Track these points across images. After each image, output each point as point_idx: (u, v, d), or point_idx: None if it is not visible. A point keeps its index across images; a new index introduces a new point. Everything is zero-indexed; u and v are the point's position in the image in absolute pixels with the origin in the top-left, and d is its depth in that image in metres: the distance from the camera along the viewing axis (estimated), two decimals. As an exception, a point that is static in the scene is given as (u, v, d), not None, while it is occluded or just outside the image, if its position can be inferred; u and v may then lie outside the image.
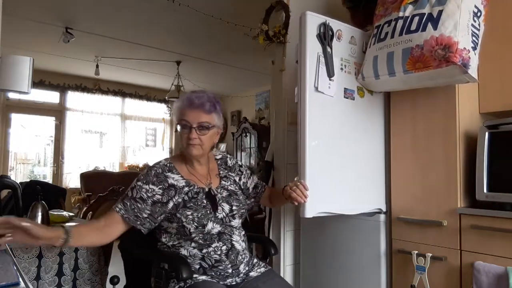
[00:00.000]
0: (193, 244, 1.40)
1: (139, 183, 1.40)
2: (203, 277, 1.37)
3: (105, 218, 1.37)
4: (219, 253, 1.41)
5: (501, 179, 1.51)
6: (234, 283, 1.42)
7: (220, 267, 1.40)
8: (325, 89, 1.61)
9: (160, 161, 1.50)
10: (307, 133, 1.58)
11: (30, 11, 3.92)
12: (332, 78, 1.63)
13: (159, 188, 1.40)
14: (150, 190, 1.39)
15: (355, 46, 1.74)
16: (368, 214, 1.82)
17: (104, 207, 2.51)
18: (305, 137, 1.58)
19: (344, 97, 1.69)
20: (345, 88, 1.69)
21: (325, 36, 1.61)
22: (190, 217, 1.38)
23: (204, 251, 1.40)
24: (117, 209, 1.36)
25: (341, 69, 1.68)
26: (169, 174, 1.45)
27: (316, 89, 1.59)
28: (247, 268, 1.47)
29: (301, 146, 1.59)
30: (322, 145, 1.62)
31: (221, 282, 1.39)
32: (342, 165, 1.69)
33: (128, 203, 1.37)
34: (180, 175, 1.47)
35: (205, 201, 1.44)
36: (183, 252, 1.40)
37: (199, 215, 1.39)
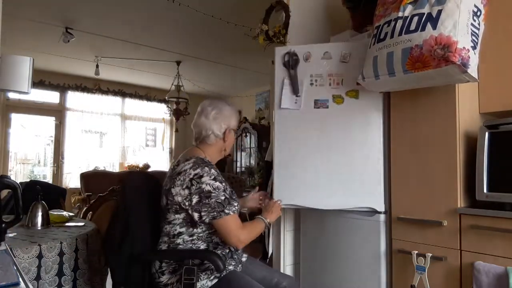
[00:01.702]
0: None
1: (224, 184, 1.48)
2: (230, 267, 1.51)
3: (242, 222, 1.50)
4: None
5: (501, 179, 1.51)
6: (239, 269, 1.57)
7: (238, 251, 1.59)
8: (291, 105, 1.95)
9: (203, 158, 1.53)
10: (276, 145, 1.97)
11: (30, 11, 3.92)
12: (298, 94, 1.95)
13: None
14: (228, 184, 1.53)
15: (329, 60, 1.92)
16: (368, 214, 1.82)
17: (104, 207, 2.50)
18: (274, 149, 1.94)
19: (315, 107, 1.93)
20: (315, 100, 1.93)
21: (289, 62, 1.95)
22: (238, 206, 1.53)
23: None
24: (238, 212, 1.49)
25: (311, 84, 1.94)
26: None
27: (279, 107, 1.97)
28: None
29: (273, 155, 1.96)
30: (292, 152, 1.94)
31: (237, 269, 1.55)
32: (316, 166, 1.90)
33: (236, 202, 1.50)
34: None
35: (236, 195, 1.60)
36: (216, 239, 1.50)
37: (239, 205, 1.56)
